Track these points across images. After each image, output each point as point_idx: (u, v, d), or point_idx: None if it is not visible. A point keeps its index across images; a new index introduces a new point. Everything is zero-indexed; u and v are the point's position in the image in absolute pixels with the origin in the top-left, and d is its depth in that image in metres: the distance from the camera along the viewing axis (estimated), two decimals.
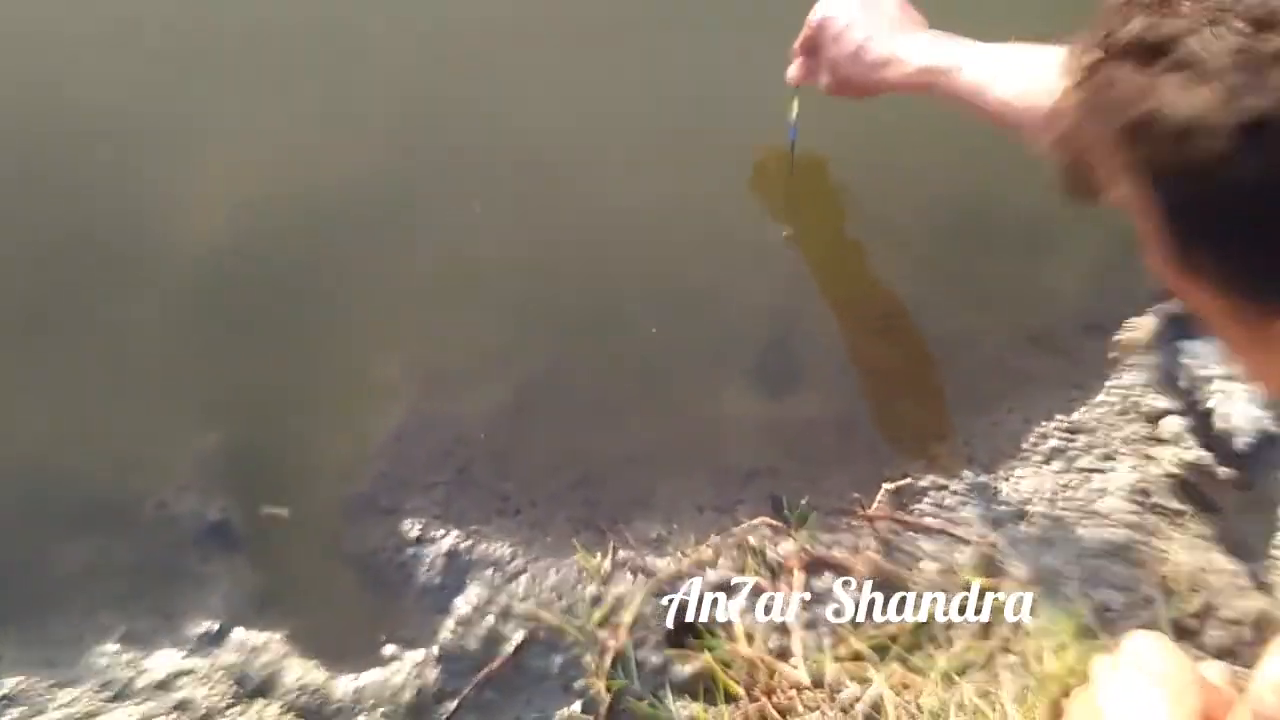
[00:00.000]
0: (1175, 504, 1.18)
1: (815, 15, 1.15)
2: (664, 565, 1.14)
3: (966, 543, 1.16)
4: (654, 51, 1.44)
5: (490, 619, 1.12)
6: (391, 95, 1.42)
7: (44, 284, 1.29)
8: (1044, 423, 1.24)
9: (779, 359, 1.29)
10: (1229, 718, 0.80)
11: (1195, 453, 1.19)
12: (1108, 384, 1.27)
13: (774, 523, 1.17)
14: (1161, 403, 1.24)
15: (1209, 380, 1.27)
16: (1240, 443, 1.22)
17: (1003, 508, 1.18)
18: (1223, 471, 1.19)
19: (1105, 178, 0.62)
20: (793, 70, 1.21)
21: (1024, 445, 1.22)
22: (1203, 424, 1.24)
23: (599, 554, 1.15)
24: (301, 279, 1.30)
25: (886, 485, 1.18)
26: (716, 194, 1.37)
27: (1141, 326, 1.29)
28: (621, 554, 1.15)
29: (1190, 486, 1.19)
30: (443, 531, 1.16)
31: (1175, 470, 1.19)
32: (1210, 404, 1.26)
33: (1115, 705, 0.85)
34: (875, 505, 1.17)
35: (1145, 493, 1.18)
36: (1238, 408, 1.24)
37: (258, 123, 1.39)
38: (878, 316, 1.32)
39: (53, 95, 1.40)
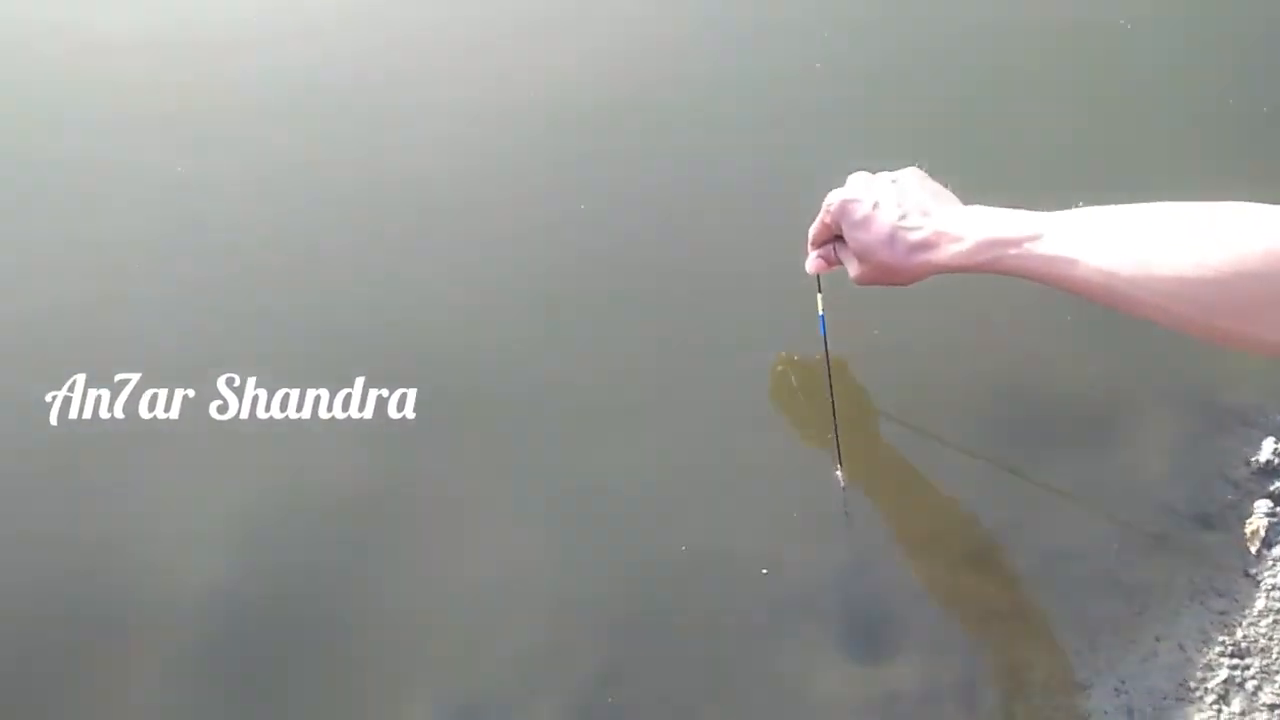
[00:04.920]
0: None
1: (833, 200, 1.01)
2: None
3: None
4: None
5: None
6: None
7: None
8: (1203, 649, 1.02)
9: (865, 621, 1.09)
10: None
11: None
12: (1260, 587, 1.07)
13: None
14: None
15: None
16: None
17: None
18: None
19: None
20: (811, 262, 1.09)
21: (1189, 682, 1.00)
22: None
23: None
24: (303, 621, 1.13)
25: None
26: (750, 441, 1.23)
27: (1258, 509, 1.12)
28: None
29: None
30: None
31: None
32: None
33: None
34: None
35: None
36: None
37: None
38: (962, 548, 1.14)
39: None
